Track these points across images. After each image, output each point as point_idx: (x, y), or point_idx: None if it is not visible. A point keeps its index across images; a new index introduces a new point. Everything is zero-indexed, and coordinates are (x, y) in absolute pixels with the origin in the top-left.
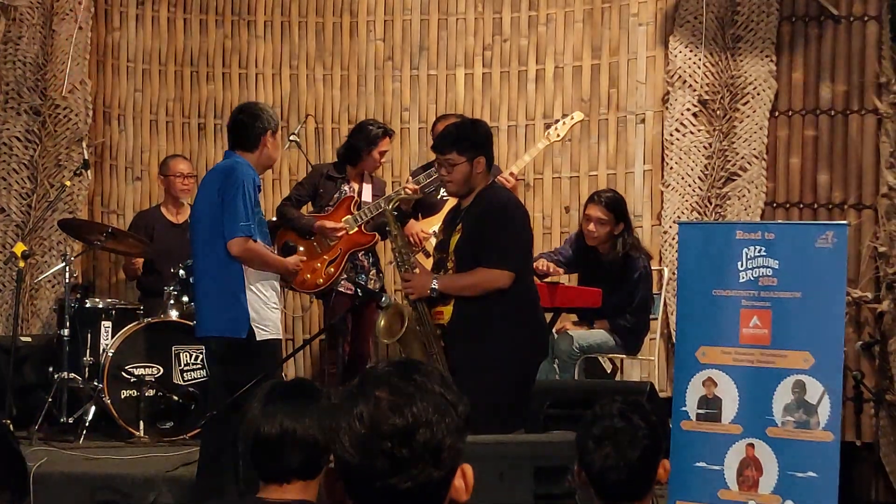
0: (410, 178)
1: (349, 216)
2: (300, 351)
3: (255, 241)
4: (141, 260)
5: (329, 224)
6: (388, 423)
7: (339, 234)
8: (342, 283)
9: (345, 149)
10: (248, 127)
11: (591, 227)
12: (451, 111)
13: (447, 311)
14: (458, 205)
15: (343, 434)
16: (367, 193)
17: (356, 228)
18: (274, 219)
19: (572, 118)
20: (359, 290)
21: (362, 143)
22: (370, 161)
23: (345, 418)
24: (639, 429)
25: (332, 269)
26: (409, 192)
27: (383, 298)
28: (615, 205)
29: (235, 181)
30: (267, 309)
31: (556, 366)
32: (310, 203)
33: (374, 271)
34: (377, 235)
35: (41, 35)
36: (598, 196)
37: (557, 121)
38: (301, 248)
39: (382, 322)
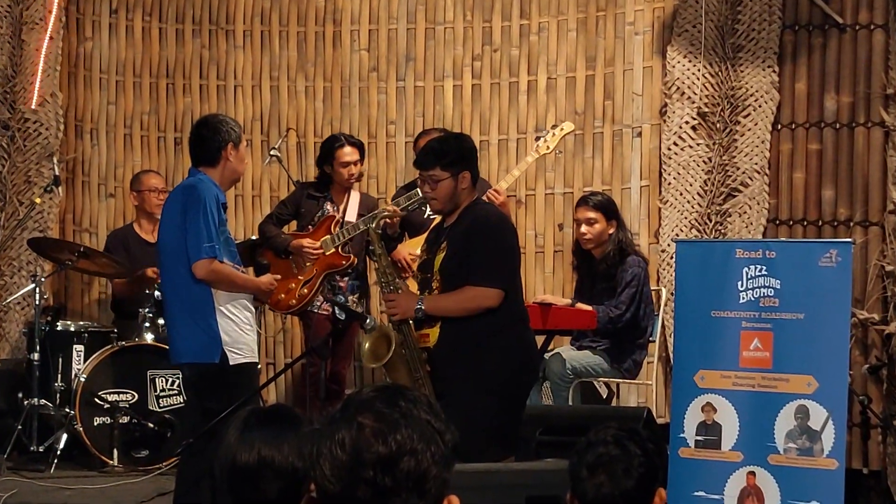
0: (389, 201)
1: (327, 237)
2: (281, 375)
3: (222, 261)
4: (122, 281)
5: (305, 243)
6: (370, 450)
7: (315, 254)
8: (321, 304)
9: (316, 166)
10: (207, 141)
11: (583, 228)
12: (438, 124)
13: (433, 333)
14: (441, 222)
15: (324, 461)
16: (352, 212)
17: (332, 249)
18: (255, 237)
19: (562, 129)
20: (338, 311)
21: (322, 159)
22: (338, 176)
23: (326, 445)
24: (634, 456)
25: (306, 291)
26: (390, 211)
27: (368, 320)
28: (604, 204)
29: (197, 200)
30: (240, 331)
31: (547, 389)
32: (295, 222)
33: (356, 294)
34: (353, 258)
35: (10, 45)
36: (585, 198)
37: (547, 132)
38: (270, 265)
39: (367, 345)
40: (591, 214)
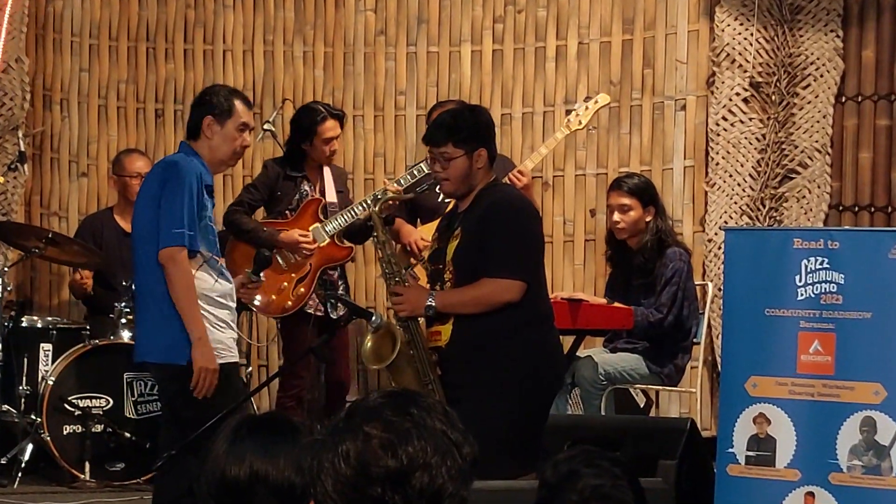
0: (386, 180)
1: (317, 225)
2: (275, 380)
3: (197, 252)
4: (90, 273)
5: (300, 237)
6: (378, 464)
7: (311, 248)
8: (315, 305)
9: (287, 142)
10: (192, 109)
11: (616, 216)
12: (454, 95)
13: (445, 331)
14: (454, 207)
15: (325, 476)
16: (330, 191)
17: (327, 239)
18: (221, 228)
19: (596, 102)
20: (330, 310)
21: (301, 134)
22: (317, 153)
23: (328, 458)
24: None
25: (303, 290)
26: (392, 192)
27: (374, 317)
28: (640, 188)
29: (176, 177)
30: (214, 329)
31: (577, 396)
32: (263, 208)
33: (342, 286)
34: (353, 249)
35: None
36: (619, 181)
37: (578, 105)
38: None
39: (369, 344)
40: (625, 200)
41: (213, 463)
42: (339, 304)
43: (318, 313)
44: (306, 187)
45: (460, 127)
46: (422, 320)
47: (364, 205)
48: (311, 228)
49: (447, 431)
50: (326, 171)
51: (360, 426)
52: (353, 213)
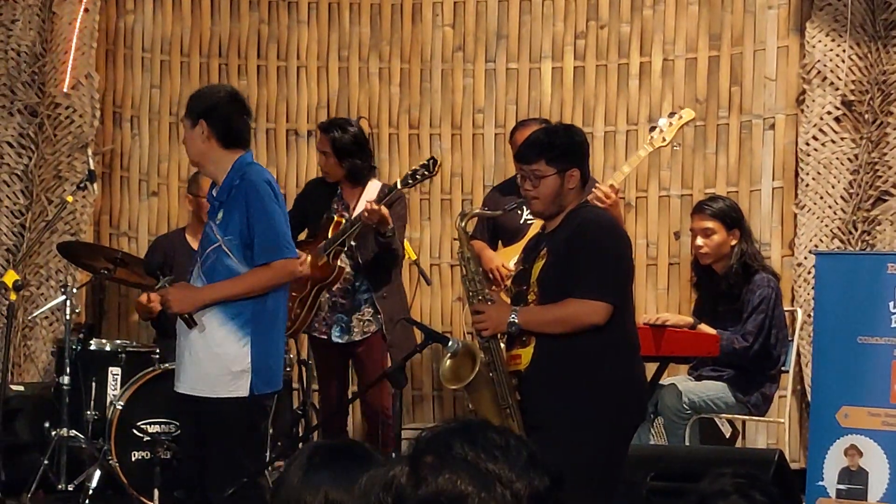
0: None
1: (323, 243)
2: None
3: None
4: (157, 297)
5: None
6: (408, 494)
7: (303, 268)
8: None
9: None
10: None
11: (699, 240)
12: (534, 113)
13: (525, 354)
14: (542, 229)
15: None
16: (359, 209)
17: (324, 259)
18: None
19: (681, 117)
20: (334, 334)
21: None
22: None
23: (376, 489)
24: None
25: (300, 310)
26: (368, 213)
27: (450, 342)
28: (723, 211)
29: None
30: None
31: (660, 426)
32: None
33: (370, 310)
34: (341, 269)
35: (38, 19)
36: (702, 204)
37: (662, 121)
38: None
39: (448, 363)
40: (708, 224)
41: (288, 491)
42: (347, 328)
43: (322, 336)
44: (336, 205)
45: (554, 144)
46: (503, 343)
47: (352, 223)
48: (318, 247)
49: (488, 464)
50: (371, 187)
51: (403, 458)
52: (349, 226)
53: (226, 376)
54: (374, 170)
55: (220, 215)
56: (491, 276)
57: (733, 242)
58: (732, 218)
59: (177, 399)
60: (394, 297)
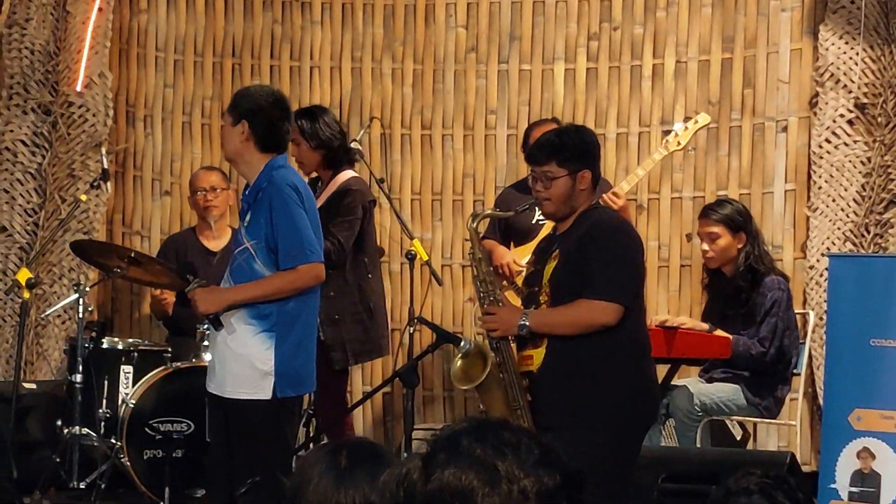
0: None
1: None
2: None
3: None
4: (172, 294)
5: None
6: (417, 489)
7: None
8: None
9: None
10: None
11: (704, 245)
12: (547, 114)
13: (537, 355)
14: (553, 230)
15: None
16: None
17: None
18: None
19: (696, 122)
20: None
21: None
22: None
23: (390, 484)
24: None
25: None
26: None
27: (462, 342)
28: (728, 215)
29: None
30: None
31: (671, 428)
32: None
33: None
34: None
35: (52, 17)
36: (707, 209)
37: (678, 125)
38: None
39: (459, 363)
40: (713, 229)
41: (319, 494)
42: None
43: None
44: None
45: (565, 146)
46: (514, 344)
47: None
48: None
49: (495, 461)
50: (340, 178)
51: (418, 455)
52: None
53: (250, 378)
54: (349, 155)
55: (247, 218)
56: (501, 271)
57: (739, 246)
58: (737, 222)
59: (208, 397)
60: (343, 297)
